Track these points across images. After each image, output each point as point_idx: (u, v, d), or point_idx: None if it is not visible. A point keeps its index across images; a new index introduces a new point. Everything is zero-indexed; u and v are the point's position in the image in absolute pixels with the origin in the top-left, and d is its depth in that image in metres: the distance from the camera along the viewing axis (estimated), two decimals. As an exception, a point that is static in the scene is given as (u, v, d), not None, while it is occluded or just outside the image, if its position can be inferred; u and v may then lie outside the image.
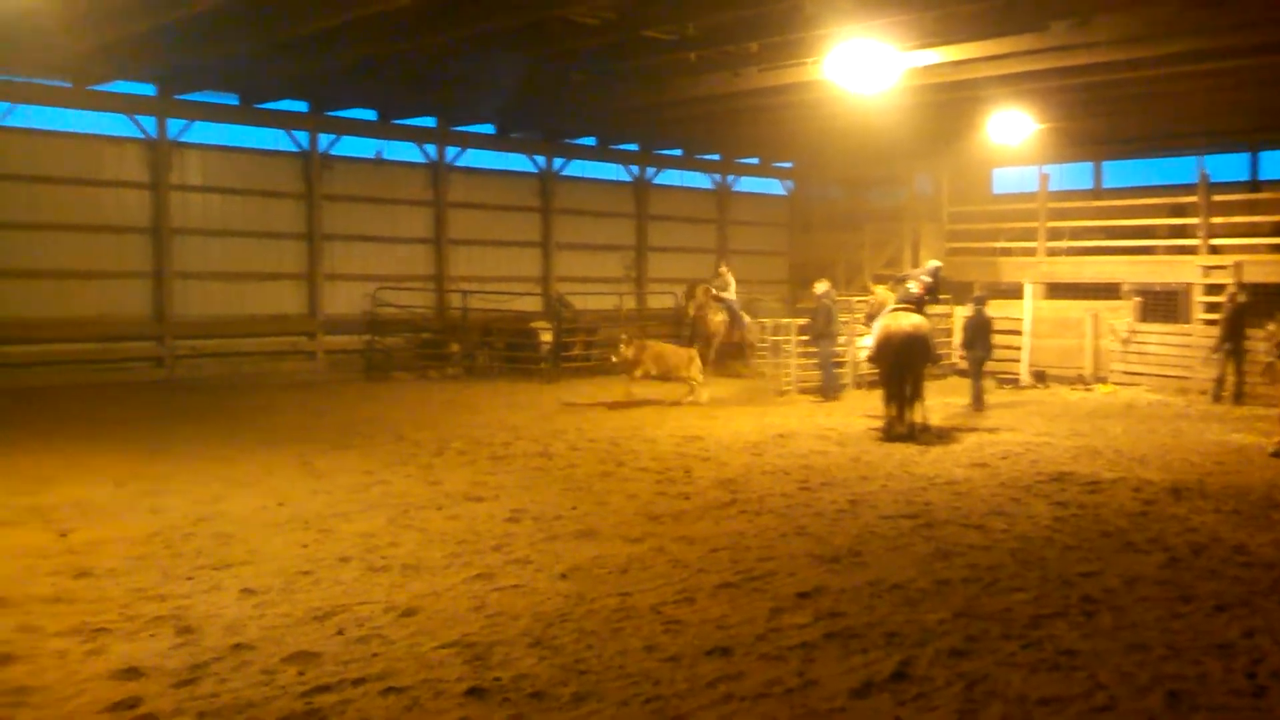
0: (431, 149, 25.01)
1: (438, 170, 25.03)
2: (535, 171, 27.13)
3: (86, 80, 19.74)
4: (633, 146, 28.82)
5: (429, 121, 24.75)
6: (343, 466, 11.19)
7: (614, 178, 29.05)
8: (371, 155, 24.28)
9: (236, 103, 21.85)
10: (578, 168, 28.04)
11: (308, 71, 19.68)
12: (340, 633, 5.98)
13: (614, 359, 17.39)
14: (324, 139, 23.23)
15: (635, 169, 29.25)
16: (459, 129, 25.19)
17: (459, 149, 25.41)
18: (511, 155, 26.93)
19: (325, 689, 5.20)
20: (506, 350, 22.28)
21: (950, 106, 22.02)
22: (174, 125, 21.14)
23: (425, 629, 6.05)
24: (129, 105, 20.60)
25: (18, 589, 6.68)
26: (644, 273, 29.12)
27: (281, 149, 22.93)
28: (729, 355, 22.23)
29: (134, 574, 7.07)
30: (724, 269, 22.86)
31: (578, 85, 21.28)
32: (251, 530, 8.31)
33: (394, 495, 9.74)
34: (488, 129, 25.82)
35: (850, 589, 6.86)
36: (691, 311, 21.84)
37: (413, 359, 22.15)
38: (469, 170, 25.72)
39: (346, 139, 23.80)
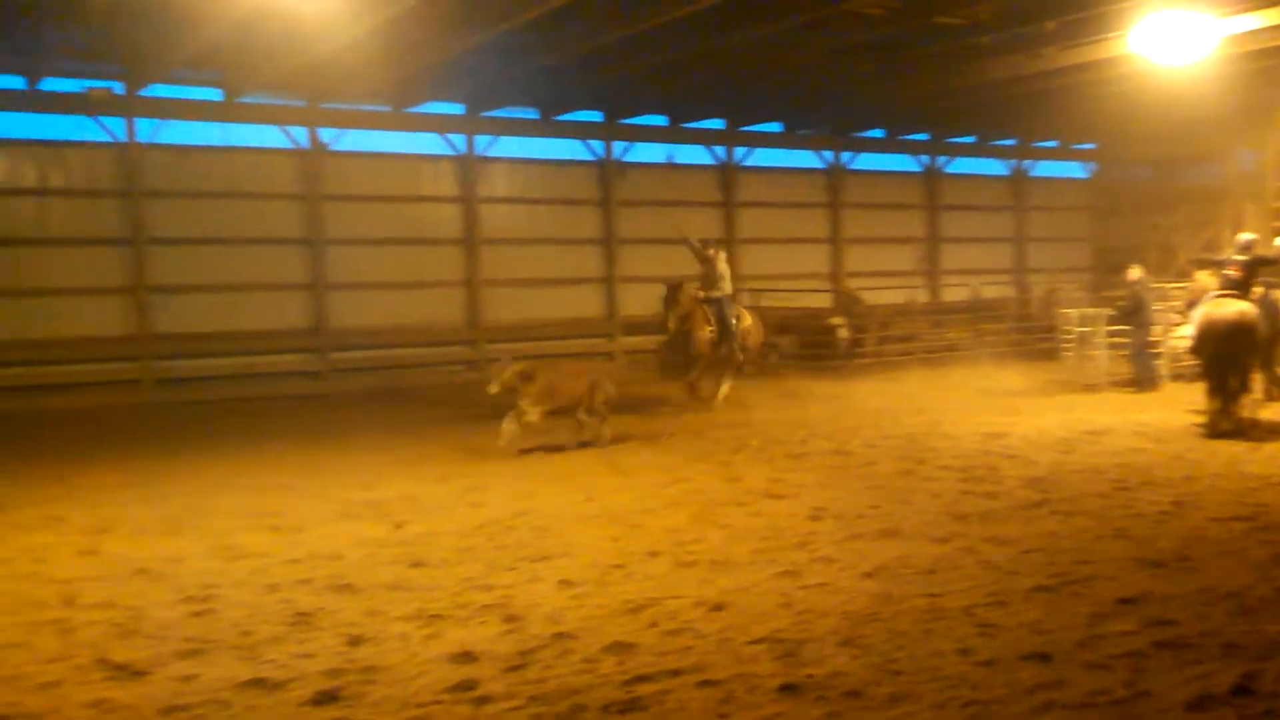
0: (720, 150, 25.37)
1: (726, 171, 25.37)
2: (823, 167, 27.00)
3: (403, 104, 21.31)
4: (923, 136, 28.15)
5: (718, 123, 25.11)
6: (646, 464, 11.56)
7: (903, 169, 28.50)
8: (663, 159, 24.89)
9: (537, 116, 22.98)
10: (866, 161, 27.70)
11: (603, 82, 20.46)
12: (654, 625, 6.18)
13: (492, 389, 12.33)
14: (618, 146, 24.04)
15: (926, 159, 28.57)
16: (747, 129, 25.42)
17: (747, 149, 25.65)
18: (799, 152, 26.92)
19: (644, 679, 5.39)
20: (800, 347, 22.25)
21: (1275, 74, 20.25)
22: (481, 141, 22.48)
23: (735, 624, 6.16)
24: (441, 125, 22.10)
25: (363, 576, 7.30)
26: (937, 265, 28.39)
27: (578, 158, 23.92)
28: (713, 372, 16.58)
29: (462, 564, 7.57)
30: (712, 251, 16.62)
31: (866, 77, 21.00)
32: (565, 524, 8.73)
33: (696, 492, 9.96)
34: (775, 127, 25.93)
35: (1178, 596, 6.46)
36: (672, 325, 15.99)
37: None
38: (757, 169, 25.91)
39: (639, 145, 24.52)
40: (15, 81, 18.82)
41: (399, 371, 20.69)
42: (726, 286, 16.44)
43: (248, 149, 20.65)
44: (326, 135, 20.96)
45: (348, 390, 19.23)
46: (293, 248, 20.66)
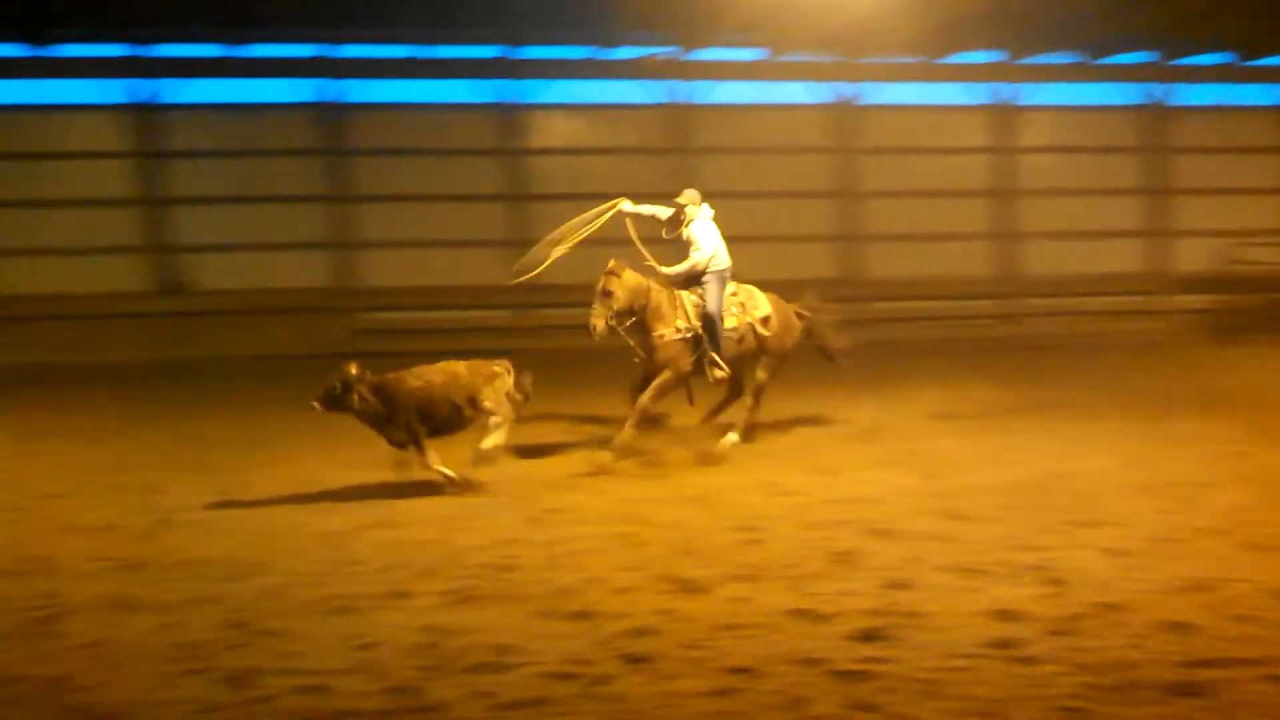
0: (1297, 89, 22.61)
1: (1302, 110, 22.57)
2: None
3: (937, 54, 21.10)
4: None
5: (1293, 57, 22.37)
6: (1197, 433, 10.63)
7: None
8: (1219, 102, 22.62)
9: (1079, 60, 21.79)
10: None
11: (1154, 21, 18.94)
12: (1214, 608, 5.72)
13: (314, 406, 8.49)
14: (1166, 88, 22.20)
15: None
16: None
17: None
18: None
19: (1205, 664, 5.02)
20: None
21: None
22: (1016, 89, 21.73)
23: (1316, 619, 5.58)
24: (976, 74, 21.67)
25: (901, 523, 7.44)
26: None
27: (1121, 103, 22.39)
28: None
29: (1000, 522, 7.45)
30: (692, 206, 10.69)
31: None
32: (1110, 491, 8.29)
33: (1265, 468, 9.02)
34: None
35: None
36: (598, 325, 10.10)
37: (1271, 321, 20.22)
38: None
39: (1192, 87, 22.48)
40: (585, 52, 20.96)
41: (926, 324, 20.62)
42: (706, 259, 10.50)
43: (784, 106, 21.51)
44: (859, 89, 21.28)
45: (882, 340, 19.42)
46: (823, 201, 21.28)
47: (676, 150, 20.98)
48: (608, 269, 10.16)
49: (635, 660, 5.13)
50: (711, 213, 10.71)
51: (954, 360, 16.96)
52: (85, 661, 5.20)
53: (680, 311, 10.35)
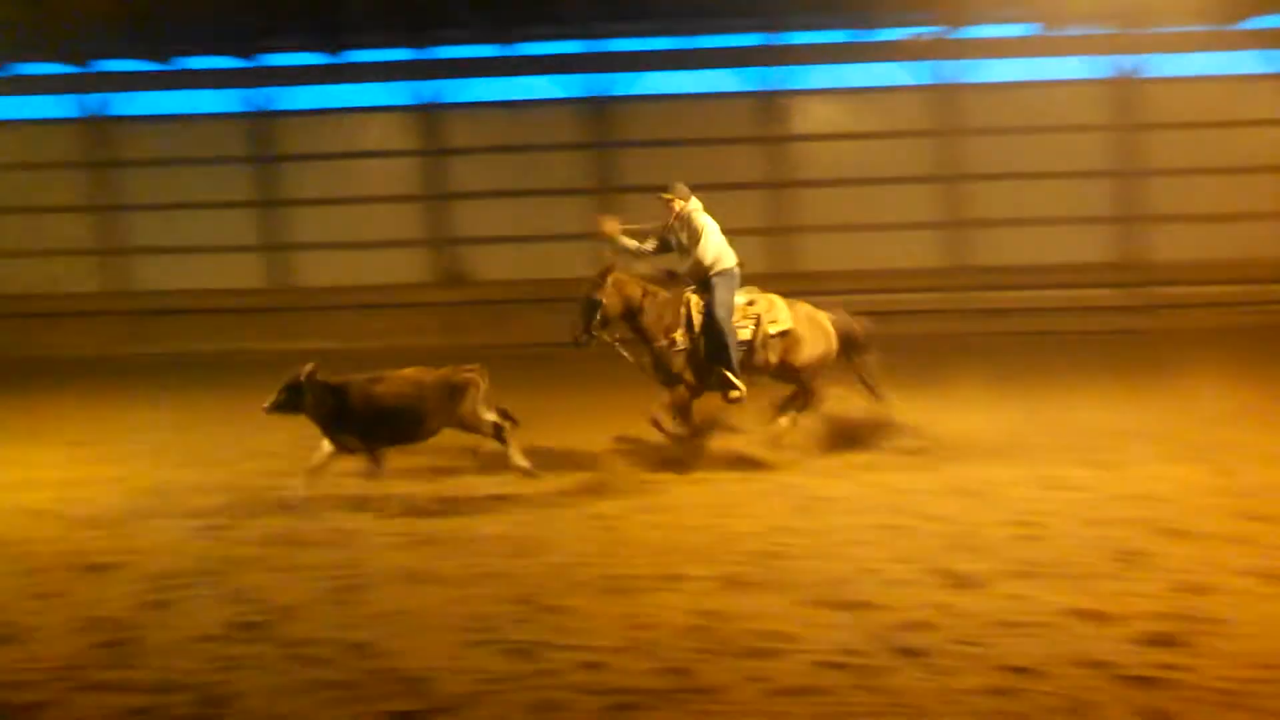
0: None
1: None
2: None
3: (1229, 20, 19.64)
4: None
5: None
6: None
7: None
8: None
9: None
10: None
11: None
12: None
13: (265, 408, 8.15)
14: None
15: None
16: None
17: None
18: None
19: None
20: None
21: None
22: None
23: None
24: (1272, 39, 20.09)
25: (1192, 523, 7.00)
26: None
27: None
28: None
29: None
30: (679, 204, 9.43)
31: None
32: None
33: None
34: None
35: None
36: (581, 337, 9.43)
37: None
38: None
39: None
40: (847, 35, 20.70)
41: (1215, 310, 19.14)
42: (710, 255, 9.33)
43: (1059, 82, 20.58)
44: (1141, 62, 20.10)
45: (1165, 327, 18.30)
46: (1101, 180, 20.26)
47: (943, 132, 20.39)
48: (592, 277, 9.43)
49: (909, 653, 5.09)
50: (701, 205, 9.49)
51: (1244, 348, 15.65)
52: (385, 629, 5.60)
53: (682, 320, 9.31)
